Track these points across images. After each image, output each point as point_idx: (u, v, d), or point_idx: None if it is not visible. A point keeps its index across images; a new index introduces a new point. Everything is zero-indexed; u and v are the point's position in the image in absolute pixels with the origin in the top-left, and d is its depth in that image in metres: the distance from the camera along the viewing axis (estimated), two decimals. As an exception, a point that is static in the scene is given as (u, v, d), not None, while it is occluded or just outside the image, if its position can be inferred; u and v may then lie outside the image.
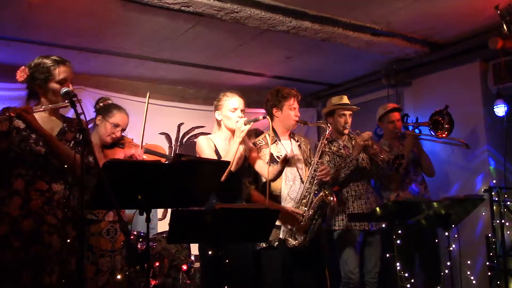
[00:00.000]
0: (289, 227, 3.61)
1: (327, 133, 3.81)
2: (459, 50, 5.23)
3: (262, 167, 3.61)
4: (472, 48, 5.12)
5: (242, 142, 3.46)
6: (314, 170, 3.72)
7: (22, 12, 4.26)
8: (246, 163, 3.66)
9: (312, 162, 3.78)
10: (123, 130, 3.65)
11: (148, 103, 3.75)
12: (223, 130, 3.62)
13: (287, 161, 3.52)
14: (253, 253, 3.58)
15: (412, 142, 4.64)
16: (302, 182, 3.77)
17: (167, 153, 6.19)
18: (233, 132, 3.49)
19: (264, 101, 3.99)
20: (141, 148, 3.62)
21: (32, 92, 2.99)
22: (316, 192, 3.70)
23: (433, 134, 4.65)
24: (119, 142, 3.70)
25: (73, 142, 3.00)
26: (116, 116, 3.59)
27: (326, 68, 6.07)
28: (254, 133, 4.64)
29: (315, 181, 3.70)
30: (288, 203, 3.71)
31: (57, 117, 3.05)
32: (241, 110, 3.55)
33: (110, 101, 3.74)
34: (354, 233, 4.18)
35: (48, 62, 2.92)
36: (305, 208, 3.65)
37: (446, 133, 4.62)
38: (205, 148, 3.51)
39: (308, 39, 4.84)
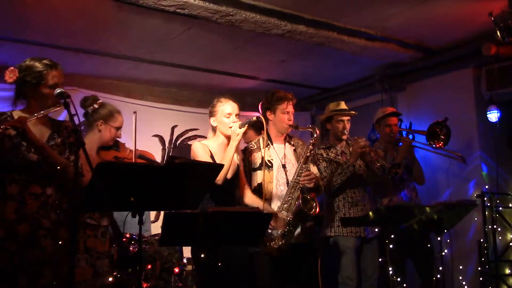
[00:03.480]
0: (269, 231, 3.59)
1: (314, 138, 3.76)
2: (452, 56, 5.27)
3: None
4: (466, 54, 5.15)
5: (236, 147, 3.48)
6: (298, 175, 3.70)
7: (16, 12, 4.24)
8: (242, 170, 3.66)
9: (297, 167, 3.76)
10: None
11: (135, 122, 3.69)
12: (218, 136, 3.61)
13: None
14: (246, 256, 3.56)
15: (406, 148, 4.63)
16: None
17: (160, 156, 6.21)
18: (228, 137, 3.50)
19: (260, 103, 3.99)
20: (135, 152, 3.61)
21: (20, 94, 2.94)
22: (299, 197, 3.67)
23: (431, 144, 4.65)
24: (113, 145, 3.70)
25: (61, 145, 2.98)
26: (118, 119, 3.61)
27: (320, 72, 6.08)
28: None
29: (298, 186, 3.69)
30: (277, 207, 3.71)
31: (45, 121, 3.00)
32: (236, 115, 3.54)
33: (100, 101, 3.69)
34: (350, 239, 4.16)
35: (40, 66, 2.87)
36: (286, 213, 3.64)
37: (441, 143, 4.63)
38: (200, 154, 3.49)
39: (303, 43, 4.85)
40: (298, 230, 3.71)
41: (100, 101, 3.67)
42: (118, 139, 3.75)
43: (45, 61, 2.90)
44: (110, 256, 3.51)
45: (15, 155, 2.80)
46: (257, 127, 4.54)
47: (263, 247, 3.57)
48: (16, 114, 2.89)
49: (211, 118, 3.61)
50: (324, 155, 4.30)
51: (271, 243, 3.57)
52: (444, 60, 5.36)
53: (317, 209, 3.62)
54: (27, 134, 2.73)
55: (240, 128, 3.42)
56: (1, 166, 2.79)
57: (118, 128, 3.61)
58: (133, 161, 3.58)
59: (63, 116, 4.55)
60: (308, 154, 3.72)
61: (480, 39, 4.78)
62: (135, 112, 3.65)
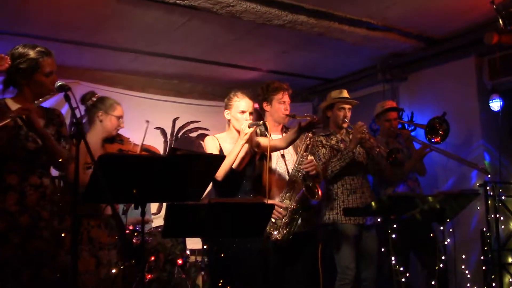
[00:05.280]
0: (273, 220, 3.61)
1: None
2: (454, 45, 5.23)
3: (266, 141, 3.56)
4: (468, 43, 5.11)
5: (249, 141, 3.47)
6: (299, 164, 3.72)
7: (16, 5, 4.23)
8: (254, 162, 3.65)
9: (297, 155, 3.77)
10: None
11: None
12: (231, 130, 3.62)
13: (303, 128, 3.44)
14: (258, 246, 3.54)
15: (419, 157, 4.63)
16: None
17: (162, 149, 6.21)
18: (239, 133, 3.50)
19: (256, 95, 4.00)
20: (142, 145, 3.64)
21: (10, 81, 2.89)
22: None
23: (430, 139, 4.65)
24: (117, 138, 3.71)
25: (55, 134, 2.96)
26: (118, 108, 3.62)
27: (321, 63, 6.06)
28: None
29: (300, 175, 3.70)
30: (276, 198, 3.72)
31: (38, 110, 2.95)
32: (250, 113, 3.54)
33: (98, 95, 3.71)
34: (349, 227, 4.15)
35: (34, 53, 2.84)
36: (289, 202, 3.65)
37: (439, 139, 4.62)
38: (208, 147, 3.54)
39: (304, 34, 4.83)
40: (300, 219, 3.73)
41: (98, 94, 3.68)
42: (121, 132, 3.76)
43: (38, 49, 2.87)
44: (118, 248, 3.51)
45: (14, 144, 2.78)
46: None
47: (268, 236, 3.58)
48: (9, 102, 2.85)
49: (226, 110, 3.61)
50: (324, 142, 4.29)
51: (276, 232, 3.59)
52: (446, 49, 5.33)
53: (320, 196, 3.65)
54: (33, 122, 2.71)
55: (249, 127, 3.42)
56: (0, 156, 2.78)
57: (119, 117, 3.61)
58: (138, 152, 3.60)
59: (64, 110, 4.55)
60: (308, 142, 3.73)
61: (482, 27, 4.75)
62: (147, 122, 3.70)
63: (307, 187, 3.62)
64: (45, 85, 2.84)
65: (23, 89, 2.89)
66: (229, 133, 3.64)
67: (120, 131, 3.74)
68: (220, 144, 3.55)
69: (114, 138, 3.67)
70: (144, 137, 3.65)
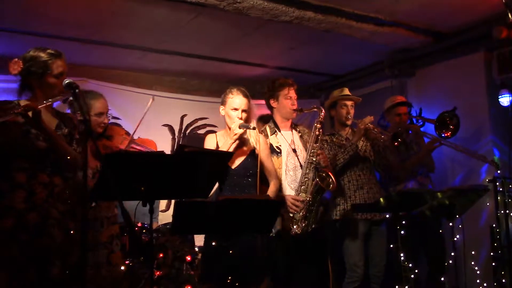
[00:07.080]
0: (291, 214, 3.63)
1: (320, 116, 3.82)
2: (463, 40, 5.19)
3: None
4: (476, 38, 5.08)
5: (239, 141, 3.48)
6: (311, 155, 3.74)
7: (24, 3, 4.25)
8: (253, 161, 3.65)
9: (308, 147, 3.79)
10: (107, 112, 3.60)
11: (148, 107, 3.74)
12: (226, 127, 3.63)
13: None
14: (262, 243, 3.53)
15: (429, 148, 4.61)
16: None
17: (169, 146, 6.22)
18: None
19: (262, 93, 4.02)
20: (130, 139, 3.60)
21: (25, 85, 2.94)
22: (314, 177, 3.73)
23: (440, 133, 4.62)
24: (105, 134, 3.66)
25: (68, 136, 2.98)
26: (94, 105, 3.53)
27: (329, 59, 6.04)
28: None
29: (312, 166, 3.71)
30: (288, 193, 3.73)
31: (52, 112, 3.02)
32: (243, 110, 3.52)
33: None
34: (357, 223, 4.14)
35: (44, 55, 2.88)
36: (304, 194, 3.67)
37: (449, 133, 4.59)
38: (206, 145, 3.58)
39: (311, 30, 4.81)
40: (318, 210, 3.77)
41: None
42: (116, 123, 3.71)
43: (49, 51, 2.92)
44: (107, 248, 3.48)
45: (24, 142, 2.80)
46: (264, 119, 4.56)
47: (286, 229, 3.61)
48: (23, 103, 2.88)
49: (221, 106, 3.63)
50: (329, 140, 4.29)
51: (295, 226, 3.62)
52: (454, 44, 5.29)
53: (335, 184, 3.66)
54: (39, 118, 2.72)
55: (239, 128, 3.43)
56: (9, 154, 2.80)
57: (100, 114, 3.52)
58: (124, 147, 3.57)
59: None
60: (318, 133, 3.77)
61: (491, 22, 4.71)
62: (153, 98, 3.66)
63: (320, 178, 3.65)
64: (56, 86, 2.87)
65: (35, 91, 2.94)
66: (226, 130, 3.65)
67: (120, 122, 3.68)
68: (217, 142, 3.57)
69: (102, 134, 3.60)
70: (144, 114, 3.59)
